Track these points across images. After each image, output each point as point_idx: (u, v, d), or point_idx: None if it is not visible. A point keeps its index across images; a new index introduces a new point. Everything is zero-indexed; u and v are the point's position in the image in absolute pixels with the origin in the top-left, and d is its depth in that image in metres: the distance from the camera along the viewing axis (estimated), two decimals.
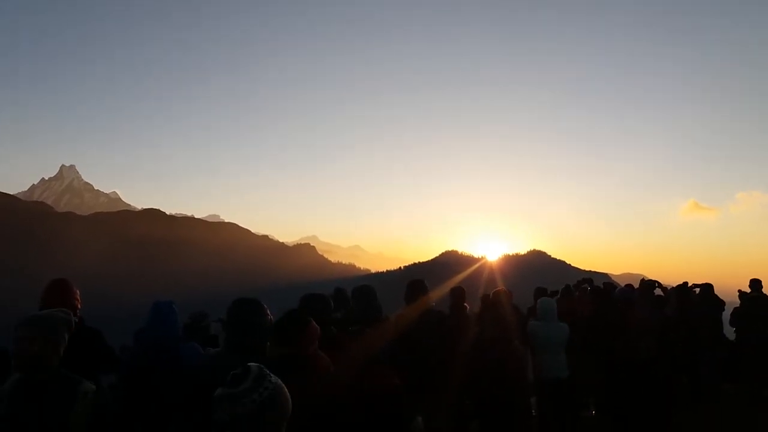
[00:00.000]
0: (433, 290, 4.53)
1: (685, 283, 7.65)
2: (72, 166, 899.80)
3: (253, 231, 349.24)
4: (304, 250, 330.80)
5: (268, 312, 2.77)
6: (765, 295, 7.70)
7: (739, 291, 7.96)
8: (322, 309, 3.17)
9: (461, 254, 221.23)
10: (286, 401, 1.49)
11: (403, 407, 2.65)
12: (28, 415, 2.05)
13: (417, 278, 4.56)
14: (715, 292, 7.58)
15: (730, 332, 7.76)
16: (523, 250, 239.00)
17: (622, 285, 7.95)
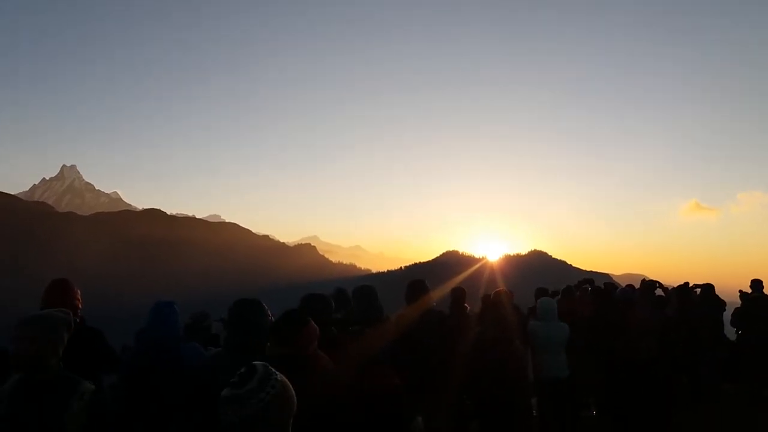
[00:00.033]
0: (433, 290, 4.53)
1: (686, 284, 7.65)
2: (73, 166, 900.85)
3: (253, 231, 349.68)
4: (305, 250, 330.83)
5: (269, 312, 2.77)
6: (766, 295, 7.70)
7: (740, 291, 7.96)
8: (322, 309, 3.16)
9: (462, 254, 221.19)
10: (292, 398, 1.51)
11: (403, 407, 2.65)
12: (28, 415, 2.06)
13: (418, 278, 4.55)
14: (716, 293, 7.58)
15: (731, 332, 7.76)
16: (523, 250, 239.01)
17: (623, 285, 7.93)
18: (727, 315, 7.70)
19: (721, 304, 7.54)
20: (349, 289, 4.49)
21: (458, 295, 5.36)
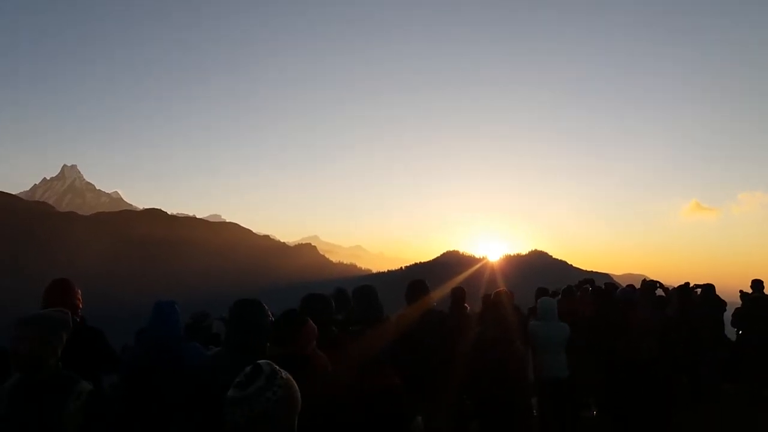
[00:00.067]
0: (434, 290, 4.53)
1: (687, 284, 7.64)
2: (74, 166, 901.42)
3: (254, 231, 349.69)
4: (306, 250, 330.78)
5: (269, 312, 2.77)
6: (766, 295, 7.70)
7: (741, 291, 7.96)
8: (322, 309, 3.17)
9: (462, 254, 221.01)
10: (297, 395, 1.52)
11: (403, 407, 2.65)
12: (28, 415, 2.06)
13: (418, 278, 4.55)
14: (717, 293, 7.58)
15: (731, 333, 7.76)
16: (524, 250, 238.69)
17: (624, 285, 7.94)
18: (727, 315, 7.70)
19: (721, 304, 7.54)
20: (350, 289, 4.49)
21: (458, 295, 5.36)
